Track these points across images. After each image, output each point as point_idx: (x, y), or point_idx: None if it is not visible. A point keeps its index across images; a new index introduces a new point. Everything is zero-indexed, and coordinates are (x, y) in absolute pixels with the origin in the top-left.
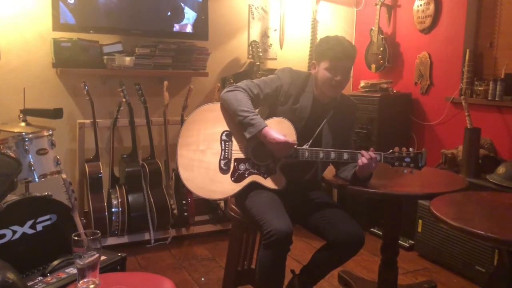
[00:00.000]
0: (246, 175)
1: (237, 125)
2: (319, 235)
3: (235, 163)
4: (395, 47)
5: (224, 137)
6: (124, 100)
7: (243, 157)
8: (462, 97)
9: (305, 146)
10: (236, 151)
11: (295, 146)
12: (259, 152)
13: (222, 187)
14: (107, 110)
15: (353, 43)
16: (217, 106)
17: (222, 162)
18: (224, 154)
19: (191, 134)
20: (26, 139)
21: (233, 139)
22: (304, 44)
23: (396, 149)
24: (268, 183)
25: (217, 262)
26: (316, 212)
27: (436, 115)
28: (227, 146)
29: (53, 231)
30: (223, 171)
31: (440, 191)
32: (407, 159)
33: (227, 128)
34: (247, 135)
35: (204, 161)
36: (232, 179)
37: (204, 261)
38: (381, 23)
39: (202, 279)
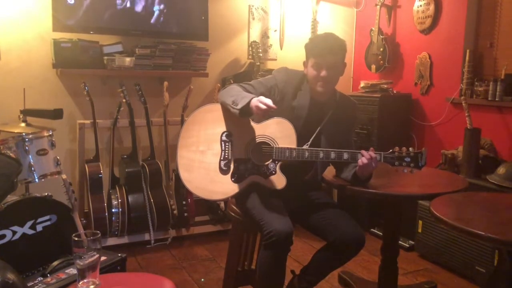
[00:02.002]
0: (246, 176)
1: (230, 110)
2: (319, 235)
3: (235, 164)
4: (395, 48)
5: (224, 138)
6: (124, 100)
7: (243, 157)
8: (462, 97)
9: (304, 146)
10: (236, 152)
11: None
12: (259, 153)
13: (223, 187)
14: (107, 110)
15: (349, 41)
16: (216, 106)
17: (222, 163)
18: (224, 155)
19: (191, 135)
20: (26, 139)
21: (233, 139)
22: (304, 44)
23: (396, 148)
24: (269, 183)
25: (217, 262)
26: (316, 212)
27: (436, 115)
28: (227, 146)
29: (53, 231)
30: (223, 171)
31: (440, 192)
32: (407, 159)
33: (227, 129)
34: (239, 106)
35: (204, 161)
36: (233, 179)
37: (204, 262)
38: (381, 23)
39: (202, 279)
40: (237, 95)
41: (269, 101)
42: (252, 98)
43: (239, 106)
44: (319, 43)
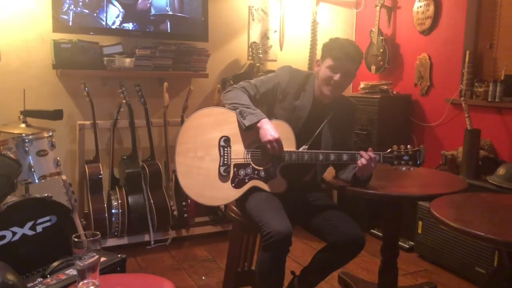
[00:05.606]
0: (247, 181)
1: (236, 115)
2: (319, 236)
3: (235, 169)
4: (395, 49)
5: (222, 143)
6: (124, 101)
7: (243, 162)
8: (462, 98)
9: (304, 147)
10: (235, 157)
11: (283, 154)
12: (258, 157)
13: (223, 193)
14: (107, 111)
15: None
16: (212, 110)
17: (222, 169)
18: (223, 160)
19: (188, 141)
20: (26, 140)
21: (231, 144)
22: (304, 45)
23: (395, 147)
24: (269, 187)
25: (217, 263)
26: (316, 213)
27: (436, 116)
28: (225, 152)
29: (53, 232)
30: (223, 177)
31: (440, 193)
32: (406, 157)
33: (224, 134)
34: (246, 123)
35: (202, 168)
36: (233, 185)
37: (204, 262)
38: (381, 24)
39: (203, 277)
40: (243, 105)
41: (281, 145)
42: (261, 119)
43: (246, 123)
44: (341, 47)
